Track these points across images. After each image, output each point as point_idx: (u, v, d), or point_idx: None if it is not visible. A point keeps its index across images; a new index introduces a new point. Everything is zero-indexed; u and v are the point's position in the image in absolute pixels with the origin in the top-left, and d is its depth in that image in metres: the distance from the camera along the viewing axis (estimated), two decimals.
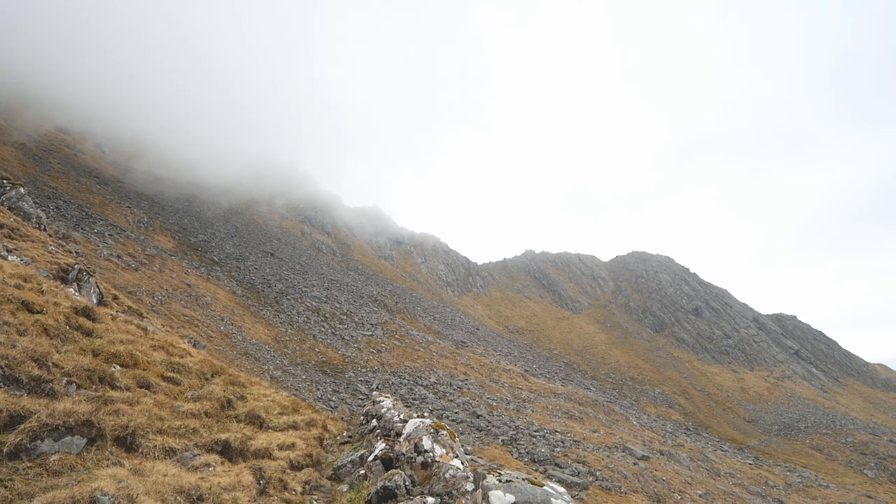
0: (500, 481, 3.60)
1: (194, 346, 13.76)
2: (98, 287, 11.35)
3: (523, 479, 3.59)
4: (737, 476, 39.46)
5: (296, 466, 7.62)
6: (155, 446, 6.03)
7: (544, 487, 3.53)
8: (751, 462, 48.89)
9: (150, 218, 46.86)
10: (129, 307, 12.22)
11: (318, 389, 29.20)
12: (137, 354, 8.02)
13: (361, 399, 30.87)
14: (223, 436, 6.99)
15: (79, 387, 6.20)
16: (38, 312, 7.11)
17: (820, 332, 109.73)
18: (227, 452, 6.74)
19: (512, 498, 3.53)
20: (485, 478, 3.73)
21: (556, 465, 28.76)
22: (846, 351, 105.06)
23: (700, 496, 29.15)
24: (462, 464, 5.92)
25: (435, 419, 7.04)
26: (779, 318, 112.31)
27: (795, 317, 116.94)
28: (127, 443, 5.74)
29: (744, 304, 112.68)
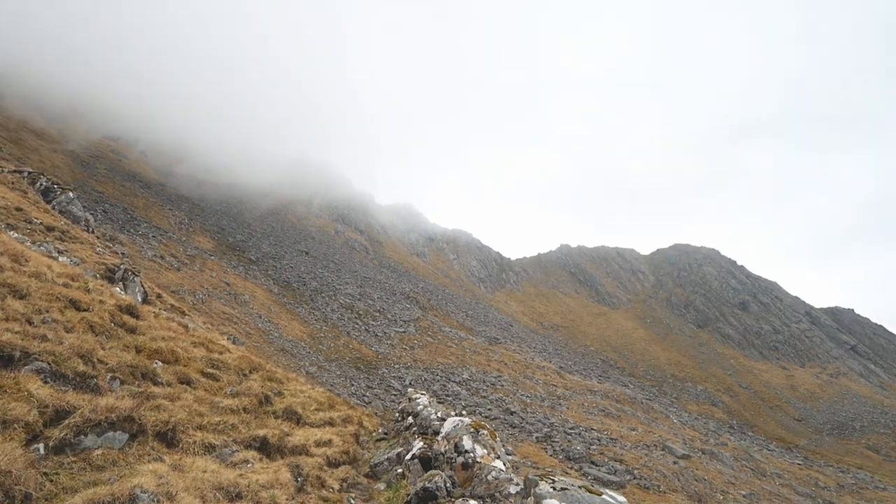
0: (554, 489, 3.33)
1: (233, 342, 14.03)
2: (142, 286, 11.69)
3: (579, 487, 3.32)
4: (784, 476, 37.58)
5: (333, 463, 7.55)
6: (195, 442, 6.06)
7: (602, 497, 3.26)
8: (800, 462, 46.48)
9: (191, 220, 48.64)
10: (172, 305, 12.57)
11: (352, 385, 29.53)
12: (178, 351, 8.14)
13: (395, 395, 31.03)
14: (261, 432, 6.98)
15: (122, 382, 6.29)
16: (85, 310, 7.29)
17: (880, 325, 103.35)
18: (265, 449, 6.72)
19: None
20: (537, 484, 3.47)
21: (593, 462, 28.06)
22: None
23: (744, 497, 27.86)
24: (504, 465, 5.68)
25: (475, 418, 6.82)
26: (834, 312, 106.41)
27: (853, 310, 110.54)
28: (168, 438, 5.78)
29: (795, 297, 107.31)
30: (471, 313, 70.53)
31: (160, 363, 7.42)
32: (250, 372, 9.78)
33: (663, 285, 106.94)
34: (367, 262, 72.19)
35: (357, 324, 45.93)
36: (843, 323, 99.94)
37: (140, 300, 10.82)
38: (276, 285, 44.98)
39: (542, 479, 3.59)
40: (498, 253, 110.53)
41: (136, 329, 8.03)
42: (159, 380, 6.89)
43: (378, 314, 54.79)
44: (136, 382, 6.50)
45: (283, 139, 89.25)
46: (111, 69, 76.90)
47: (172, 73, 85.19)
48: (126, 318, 8.08)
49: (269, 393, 8.98)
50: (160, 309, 11.34)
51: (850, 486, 40.78)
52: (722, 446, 40.62)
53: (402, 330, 49.58)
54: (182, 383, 7.29)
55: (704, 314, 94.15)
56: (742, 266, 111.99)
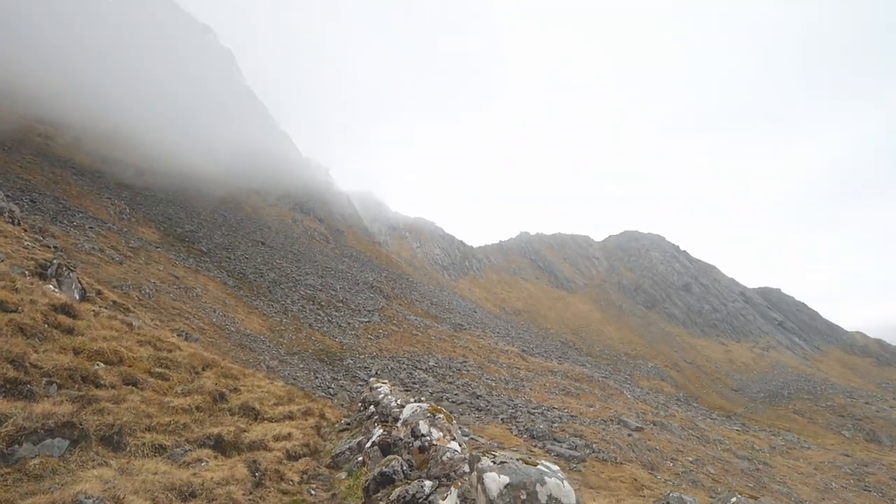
0: (494, 462, 3.50)
1: (186, 339, 13.52)
2: (80, 282, 11.02)
3: (517, 460, 3.50)
4: (725, 442, 40.43)
5: (293, 456, 7.49)
6: (143, 444, 5.85)
7: (538, 467, 3.45)
8: (738, 428, 50.12)
9: (134, 209, 45.87)
10: (114, 302, 11.92)
11: (317, 378, 29.13)
12: (122, 351, 7.78)
13: (361, 385, 30.88)
14: (215, 430, 6.82)
15: (60, 387, 5.96)
16: (13, 311, 6.82)
17: (802, 303, 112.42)
18: (221, 446, 6.58)
19: (506, 479, 3.45)
20: (479, 460, 3.62)
21: (555, 439, 29.13)
22: (826, 320, 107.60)
23: (691, 462, 29.82)
24: (459, 446, 5.81)
25: (432, 403, 6.92)
26: (764, 292, 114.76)
27: (780, 290, 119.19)
28: (114, 442, 5.55)
29: (731, 278, 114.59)
30: (435, 301, 70.80)
31: (102, 365, 7.07)
32: (203, 369, 9.49)
33: (615, 270, 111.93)
34: (328, 251, 70.86)
35: (319, 315, 45.16)
36: (771, 301, 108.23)
37: (77, 298, 10.21)
38: (231, 277, 43.44)
39: (483, 455, 3.74)
40: (461, 241, 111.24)
41: (73, 329, 7.59)
42: (102, 382, 6.57)
43: (341, 304, 54.07)
44: (76, 386, 6.17)
45: (237, 126, 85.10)
46: (37, 43, 70.27)
47: (108, 53, 78.98)
48: (62, 317, 7.62)
49: (224, 390, 8.76)
50: (101, 306, 10.75)
51: (780, 447, 44.54)
52: (671, 417, 43.05)
53: (367, 320, 49.21)
54: (128, 384, 6.99)
55: (652, 296, 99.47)
56: (685, 251, 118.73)
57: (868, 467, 41.69)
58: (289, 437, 8.12)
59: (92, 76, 72.97)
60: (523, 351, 58.17)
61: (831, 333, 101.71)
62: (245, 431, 7.40)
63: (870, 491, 36.29)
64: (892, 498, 36.09)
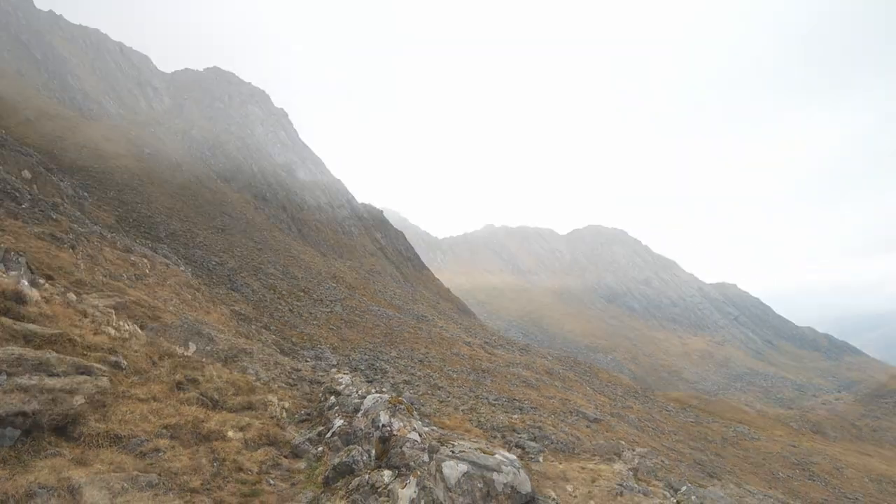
0: (452, 452, 3.69)
1: (141, 327, 13.15)
2: (29, 268, 10.57)
3: (475, 450, 3.71)
4: (679, 433, 42.46)
5: (251, 446, 7.52)
6: (98, 434, 5.79)
7: (495, 456, 3.67)
8: (692, 420, 52.67)
9: (88, 193, 43.65)
10: (67, 288, 11.45)
11: (277, 368, 28.73)
12: (76, 338, 7.58)
13: (321, 376, 30.66)
14: (173, 420, 6.79)
15: (10, 376, 5.80)
16: None
17: (757, 298, 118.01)
18: (178, 436, 6.56)
19: (465, 468, 3.63)
20: (438, 450, 3.82)
21: (514, 430, 29.88)
22: (779, 316, 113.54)
23: (646, 453, 31.29)
24: (420, 436, 6.03)
25: (393, 394, 7.10)
26: (721, 287, 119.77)
27: (736, 285, 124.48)
28: (67, 432, 5.48)
29: (690, 274, 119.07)
30: (399, 292, 70.64)
31: (54, 353, 6.89)
32: (160, 359, 9.33)
33: (578, 263, 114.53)
34: (290, 240, 69.45)
35: (280, 304, 44.28)
36: (728, 296, 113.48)
37: (27, 284, 9.80)
38: (189, 265, 42.00)
39: (442, 445, 3.94)
40: (426, 232, 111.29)
41: (23, 317, 7.35)
42: (55, 371, 6.42)
43: (303, 294, 53.25)
44: (27, 375, 6.02)
45: (198, 112, 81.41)
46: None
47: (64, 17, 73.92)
48: (10, 304, 7.36)
49: (182, 379, 8.66)
50: (52, 293, 10.35)
51: (731, 438, 47.16)
52: (628, 409, 44.85)
53: (329, 310, 48.61)
54: (81, 374, 6.84)
55: (613, 289, 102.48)
56: (646, 246, 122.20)
57: (813, 457, 44.79)
58: (248, 427, 8.13)
59: (46, 47, 68.28)
60: (485, 343, 59.03)
61: (783, 328, 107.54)
62: (203, 422, 7.38)
63: (815, 480, 39.14)
64: (836, 486, 39.04)
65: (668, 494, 8.84)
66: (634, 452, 12.33)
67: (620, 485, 9.17)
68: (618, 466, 10.15)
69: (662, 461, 30.93)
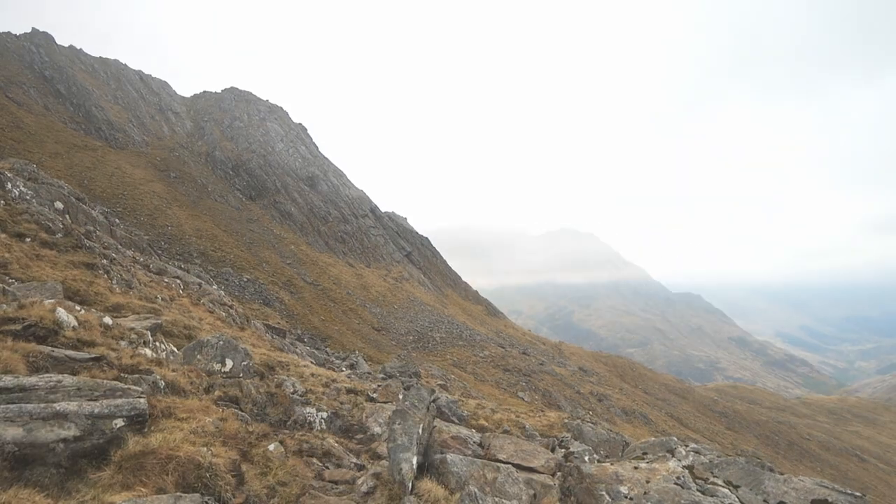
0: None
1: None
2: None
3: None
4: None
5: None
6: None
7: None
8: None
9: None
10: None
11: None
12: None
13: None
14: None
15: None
16: None
17: (427, 238, 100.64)
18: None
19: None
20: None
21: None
22: (444, 261, 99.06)
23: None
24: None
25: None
26: (391, 217, 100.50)
27: (406, 219, 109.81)
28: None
29: (361, 190, 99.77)
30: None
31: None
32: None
33: (206, 133, 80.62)
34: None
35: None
36: (400, 228, 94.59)
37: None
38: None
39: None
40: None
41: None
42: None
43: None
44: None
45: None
46: None
47: None
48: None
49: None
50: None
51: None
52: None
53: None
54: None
55: (261, 181, 73.72)
56: (313, 140, 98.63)
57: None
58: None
59: None
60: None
61: (449, 275, 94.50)
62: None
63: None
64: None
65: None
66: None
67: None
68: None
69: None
